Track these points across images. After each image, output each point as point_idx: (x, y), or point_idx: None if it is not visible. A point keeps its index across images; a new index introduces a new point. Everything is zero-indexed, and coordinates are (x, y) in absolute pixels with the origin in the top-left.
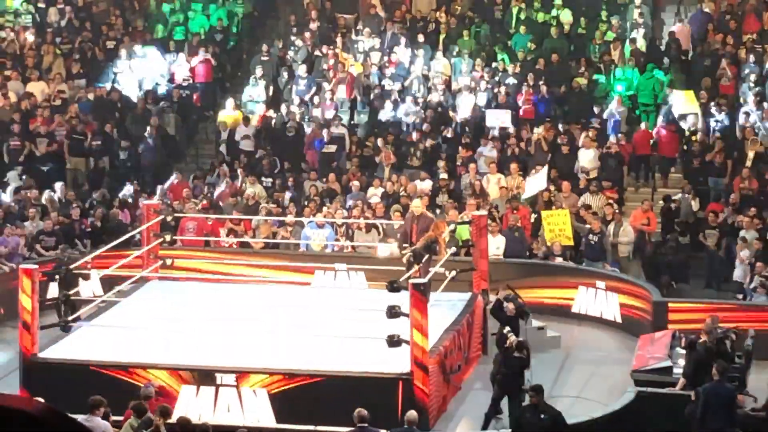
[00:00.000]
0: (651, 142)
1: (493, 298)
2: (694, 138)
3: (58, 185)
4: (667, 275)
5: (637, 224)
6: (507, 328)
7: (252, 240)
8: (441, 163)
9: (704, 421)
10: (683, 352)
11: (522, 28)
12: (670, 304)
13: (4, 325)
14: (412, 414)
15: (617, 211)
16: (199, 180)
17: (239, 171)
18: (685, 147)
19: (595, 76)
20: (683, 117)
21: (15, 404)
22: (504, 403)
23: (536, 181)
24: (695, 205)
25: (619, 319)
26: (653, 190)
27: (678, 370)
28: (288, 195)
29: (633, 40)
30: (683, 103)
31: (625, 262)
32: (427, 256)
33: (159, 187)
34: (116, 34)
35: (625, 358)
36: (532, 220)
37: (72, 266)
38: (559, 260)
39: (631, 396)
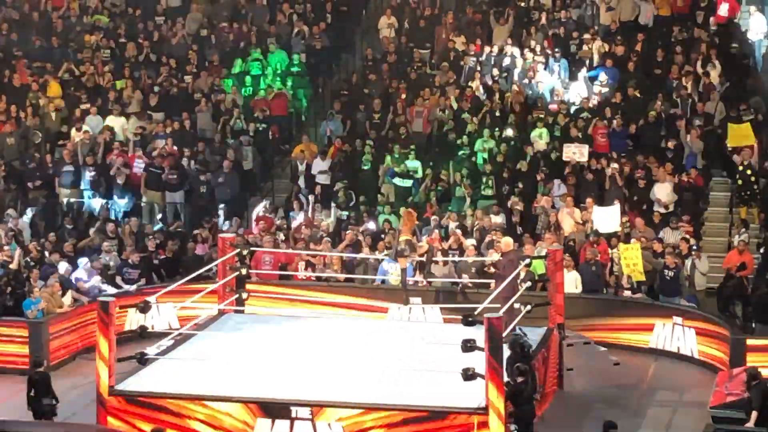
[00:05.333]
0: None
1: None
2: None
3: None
4: (739, 307)
5: (732, 268)
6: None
7: (332, 275)
8: (515, 196)
9: None
10: None
11: (603, 62)
12: (748, 341)
13: (82, 357)
14: None
15: (694, 246)
16: (271, 213)
17: (314, 204)
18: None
19: (672, 110)
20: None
21: None
22: None
23: (608, 219)
24: None
25: (696, 355)
26: (731, 225)
27: None
28: (363, 227)
29: (706, 74)
30: (736, 136)
31: (703, 297)
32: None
33: (235, 219)
34: (192, 69)
35: (702, 394)
36: (610, 254)
37: None
38: (627, 293)
39: None
